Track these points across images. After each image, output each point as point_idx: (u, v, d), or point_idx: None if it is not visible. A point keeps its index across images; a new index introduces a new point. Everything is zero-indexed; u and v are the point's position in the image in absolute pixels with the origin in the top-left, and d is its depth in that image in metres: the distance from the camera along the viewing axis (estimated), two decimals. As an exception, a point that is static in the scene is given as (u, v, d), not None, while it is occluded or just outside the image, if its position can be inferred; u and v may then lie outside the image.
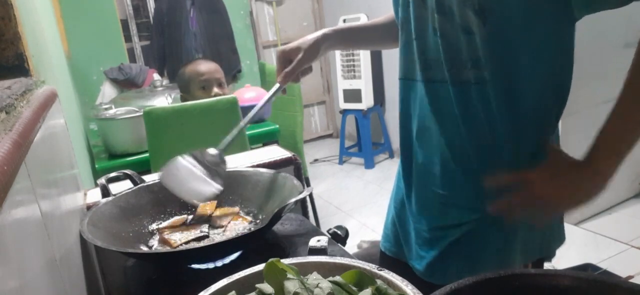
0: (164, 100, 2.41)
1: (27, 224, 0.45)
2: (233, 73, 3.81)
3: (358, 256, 0.63)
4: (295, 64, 0.92)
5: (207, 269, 0.76)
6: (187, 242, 0.80)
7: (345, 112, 3.99)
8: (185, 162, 0.90)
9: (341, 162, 4.14)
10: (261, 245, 0.83)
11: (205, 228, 0.84)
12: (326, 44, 0.94)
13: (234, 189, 0.96)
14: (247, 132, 2.05)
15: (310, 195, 2.66)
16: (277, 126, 2.33)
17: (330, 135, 5.07)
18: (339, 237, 0.85)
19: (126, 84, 3.08)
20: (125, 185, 0.95)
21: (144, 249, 0.84)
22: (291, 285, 0.47)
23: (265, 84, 3.10)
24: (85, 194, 1.06)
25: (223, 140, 0.93)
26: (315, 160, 4.31)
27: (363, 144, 3.94)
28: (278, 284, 0.48)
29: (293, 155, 1.17)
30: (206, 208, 0.90)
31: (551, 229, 0.85)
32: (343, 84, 3.90)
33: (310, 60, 0.93)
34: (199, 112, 1.80)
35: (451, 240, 0.84)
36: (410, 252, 0.93)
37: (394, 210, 1.00)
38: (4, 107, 0.51)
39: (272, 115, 2.50)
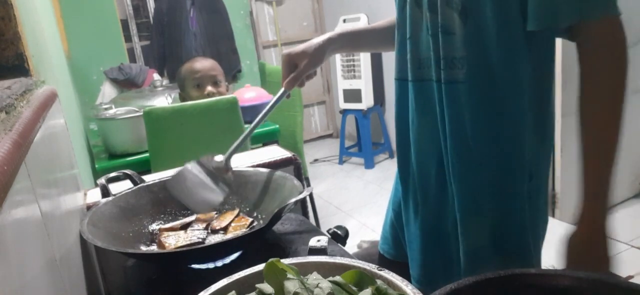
0: (164, 100, 2.41)
1: (27, 224, 0.45)
2: (233, 73, 3.81)
3: (358, 256, 0.63)
4: (301, 69, 0.93)
5: (207, 269, 0.76)
6: (181, 247, 0.80)
7: (345, 112, 3.99)
8: (192, 170, 0.91)
9: (341, 162, 4.14)
10: (261, 245, 0.83)
11: (202, 234, 0.84)
12: (331, 48, 0.94)
13: (234, 189, 0.96)
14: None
15: (310, 195, 2.66)
16: (277, 126, 2.33)
17: (330, 135, 5.07)
18: (339, 237, 0.85)
19: (126, 84, 3.08)
20: (125, 185, 0.95)
21: (144, 249, 0.84)
22: (291, 285, 0.47)
23: (265, 84, 3.10)
24: (85, 194, 1.06)
25: (229, 147, 0.93)
26: (315, 160, 4.31)
27: (363, 144, 3.94)
28: (278, 284, 0.48)
29: (293, 155, 1.17)
30: (205, 217, 0.90)
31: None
32: (343, 84, 3.90)
33: (316, 65, 0.94)
34: (199, 112, 1.80)
35: (447, 242, 0.84)
36: (409, 254, 0.93)
37: (392, 212, 1.00)
38: (4, 107, 0.51)
39: (272, 115, 2.49)
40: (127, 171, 0.98)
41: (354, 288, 0.48)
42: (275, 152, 1.20)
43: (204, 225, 0.88)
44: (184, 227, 0.88)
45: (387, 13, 1.01)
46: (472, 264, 0.79)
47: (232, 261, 0.77)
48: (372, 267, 0.51)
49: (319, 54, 0.93)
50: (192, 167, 0.92)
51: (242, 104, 1.99)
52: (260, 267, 0.51)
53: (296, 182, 0.88)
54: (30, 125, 0.51)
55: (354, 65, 3.79)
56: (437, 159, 0.81)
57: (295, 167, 1.15)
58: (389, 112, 4.16)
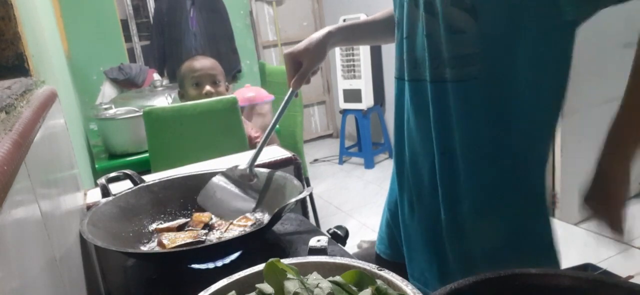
0: (164, 100, 2.41)
1: (27, 224, 0.45)
2: (233, 73, 3.81)
3: (358, 256, 0.63)
4: (306, 66, 0.93)
5: (207, 269, 0.76)
6: (181, 247, 0.80)
7: (345, 112, 3.99)
8: (219, 182, 0.94)
9: (341, 162, 4.14)
10: (261, 245, 0.83)
11: (203, 234, 0.84)
12: (331, 42, 0.95)
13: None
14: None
15: (310, 195, 2.66)
16: (277, 126, 2.33)
17: (330, 135, 5.07)
18: (339, 237, 0.85)
19: (126, 84, 3.08)
20: (125, 185, 0.95)
21: (144, 249, 0.84)
22: (291, 285, 0.47)
23: (265, 84, 3.10)
24: (85, 194, 1.06)
25: (250, 157, 0.95)
26: (315, 160, 4.31)
27: (363, 144, 3.94)
28: (278, 284, 0.48)
29: (293, 155, 1.17)
30: (202, 218, 0.90)
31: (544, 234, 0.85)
32: (343, 84, 3.90)
33: (320, 60, 0.94)
34: (199, 112, 1.80)
35: (442, 242, 0.83)
36: (406, 254, 0.93)
37: (388, 212, 1.00)
38: (4, 107, 0.51)
39: (272, 115, 2.50)
40: (127, 171, 0.98)
41: (354, 288, 0.48)
42: (275, 152, 1.20)
43: (201, 225, 0.88)
44: (181, 227, 0.88)
45: (387, 7, 1.01)
46: (486, 264, 0.79)
47: (232, 261, 0.77)
48: (372, 267, 0.51)
49: (321, 49, 0.94)
50: (218, 179, 0.94)
51: (242, 104, 1.99)
52: (260, 267, 0.51)
53: (296, 182, 0.88)
54: (30, 125, 0.51)
55: (354, 65, 3.79)
56: (431, 159, 0.81)
57: (295, 167, 1.15)
58: (389, 112, 4.16)
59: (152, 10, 3.70)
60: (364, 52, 3.74)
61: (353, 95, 3.85)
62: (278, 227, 0.89)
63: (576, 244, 2.37)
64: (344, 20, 3.73)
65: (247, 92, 2.51)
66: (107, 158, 2.10)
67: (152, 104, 2.29)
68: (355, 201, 3.30)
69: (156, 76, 3.02)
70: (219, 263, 0.77)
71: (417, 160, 0.84)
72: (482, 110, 0.74)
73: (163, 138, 1.82)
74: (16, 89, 0.61)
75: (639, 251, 2.24)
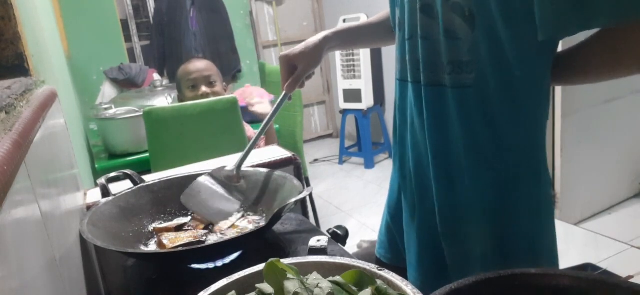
0: (164, 100, 2.41)
1: (27, 224, 0.45)
2: (233, 73, 3.81)
3: (358, 256, 0.63)
4: (300, 71, 0.93)
5: (207, 269, 0.76)
6: (181, 247, 0.80)
7: (345, 112, 3.99)
8: (205, 183, 0.93)
9: (341, 162, 4.14)
10: (261, 245, 0.83)
11: (203, 235, 0.84)
12: (328, 46, 0.95)
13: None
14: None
15: (310, 195, 2.66)
16: (277, 126, 2.33)
17: (330, 135, 5.07)
18: (339, 237, 0.85)
19: (126, 84, 3.08)
20: (125, 185, 0.95)
21: (144, 249, 0.84)
22: (291, 285, 0.47)
23: (265, 84, 3.10)
24: (85, 194, 1.06)
25: (238, 158, 0.95)
26: (315, 160, 4.31)
27: (363, 144, 3.94)
28: (278, 284, 0.48)
29: (293, 155, 1.17)
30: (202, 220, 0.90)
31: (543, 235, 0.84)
32: (343, 84, 3.90)
33: (315, 65, 0.94)
34: (199, 112, 1.80)
35: (441, 247, 0.83)
36: (407, 258, 0.92)
37: (388, 215, 0.99)
38: (4, 107, 0.51)
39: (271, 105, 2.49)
40: (127, 171, 0.98)
41: (354, 288, 0.48)
42: (275, 152, 1.20)
43: (202, 226, 0.88)
44: (179, 227, 0.88)
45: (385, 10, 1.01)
46: (479, 268, 0.79)
47: (232, 261, 0.77)
48: (372, 267, 0.51)
49: (317, 54, 0.93)
50: (204, 179, 0.94)
51: (242, 104, 1.99)
52: (260, 267, 0.51)
53: (296, 182, 0.88)
54: (30, 125, 0.51)
55: (354, 65, 3.79)
56: (431, 162, 0.81)
57: (295, 167, 1.15)
58: (389, 112, 4.16)
59: (152, 10, 3.70)
60: (364, 52, 3.74)
61: (353, 95, 3.85)
62: (278, 227, 0.89)
63: (576, 244, 2.37)
64: (344, 21, 3.73)
65: (247, 92, 2.52)
66: (107, 158, 2.10)
67: (152, 104, 2.29)
68: (355, 201, 3.30)
69: (156, 76, 3.02)
70: (219, 263, 0.77)
71: (422, 164, 0.84)
72: (479, 116, 0.74)
73: (163, 138, 1.81)
74: (16, 89, 0.61)
75: (639, 251, 2.24)
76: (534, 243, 0.79)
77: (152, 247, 0.85)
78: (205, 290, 0.51)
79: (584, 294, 0.46)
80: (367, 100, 3.81)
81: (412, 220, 0.88)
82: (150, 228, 0.89)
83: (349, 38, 1.03)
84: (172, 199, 0.94)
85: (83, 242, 0.77)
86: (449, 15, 0.71)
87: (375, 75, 3.88)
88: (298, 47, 0.94)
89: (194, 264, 0.77)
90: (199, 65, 1.97)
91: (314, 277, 0.50)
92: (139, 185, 0.94)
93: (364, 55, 3.73)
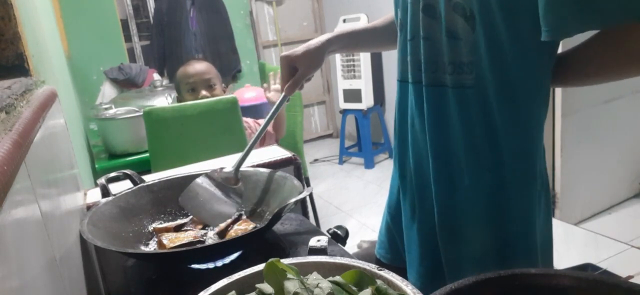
0: (164, 100, 2.41)
1: (27, 224, 0.45)
2: (233, 73, 3.81)
3: (358, 256, 0.63)
4: (300, 73, 0.92)
5: (207, 269, 0.76)
6: (180, 246, 0.80)
7: (345, 112, 3.99)
8: (203, 184, 0.92)
9: (341, 162, 4.14)
10: (261, 245, 0.83)
11: (203, 235, 0.84)
12: (329, 49, 0.94)
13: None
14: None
15: (310, 195, 2.66)
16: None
17: (330, 135, 5.07)
18: (339, 237, 0.85)
19: (126, 84, 3.08)
20: (125, 185, 0.95)
21: (144, 249, 0.84)
22: (291, 285, 0.47)
23: (265, 83, 3.09)
24: (85, 194, 1.06)
25: (236, 160, 0.94)
26: (315, 160, 4.31)
27: (363, 144, 3.94)
28: (278, 284, 0.48)
29: (293, 155, 1.17)
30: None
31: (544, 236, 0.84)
32: (343, 84, 3.90)
33: (316, 68, 0.93)
34: (199, 112, 1.80)
35: (441, 248, 0.83)
36: (407, 258, 0.92)
37: (388, 216, 0.99)
38: (4, 107, 0.51)
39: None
40: (127, 171, 0.98)
41: (354, 288, 0.48)
42: (275, 152, 1.20)
43: (201, 226, 0.88)
44: (178, 227, 0.88)
45: (387, 13, 1.01)
46: (475, 269, 0.79)
47: (232, 261, 0.77)
48: (372, 267, 0.51)
49: (318, 57, 0.92)
50: (201, 181, 0.93)
51: (242, 104, 1.99)
52: (260, 267, 0.51)
53: (296, 182, 0.88)
54: (30, 125, 0.51)
55: (354, 65, 3.79)
56: (431, 162, 0.81)
57: (295, 167, 1.15)
58: (389, 112, 4.16)
59: (152, 10, 3.70)
60: (364, 53, 3.74)
61: (353, 95, 3.85)
62: (278, 227, 0.89)
63: (576, 244, 2.37)
64: (344, 21, 3.73)
65: (247, 92, 2.52)
66: (107, 158, 2.10)
67: (152, 104, 2.30)
68: (355, 201, 3.30)
69: (156, 76, 3.02)
70: (219, 263, 0.77)
71: (422, 164, 0.84)
72: (479, 117, 0.74)
73: (163, 138, 1.82)
74: (16, 89, 0.61)
75: (639, 251, 2.24)
76: (532, 244, 0.79)
77: (152, 247, 0.85)
78: (205, 290, 0.51)
79: (584, 294, 0.46)
80: (367, 100, 3.81)
81: (412, 220, 0.88)
82: (150, 228, 0.89)
83: (351, 42, 1.02)
84: (172, 199, 0.94)
85: (83, 242, 0.77)
86: (451, 15, 0.71)
87: (375, 75, 3.88)
88: (299, 49, 0.93)
89: (194, 264, 0.77)
90: (198, 67, 1.95)
91: (314, 277, 0.50)
92: (139, 185, 0.94)
93: (364, 55, 3.73)
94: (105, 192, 0.90)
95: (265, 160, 1.14)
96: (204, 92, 1.91)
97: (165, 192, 0.95)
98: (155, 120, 1.79)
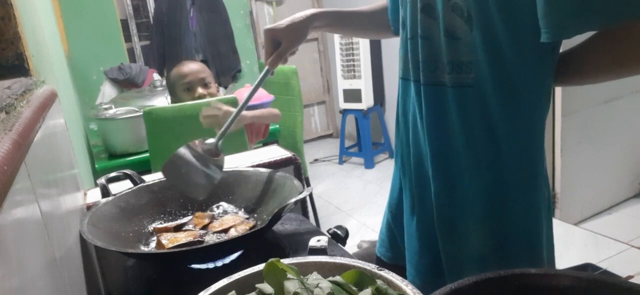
0: (164, 100, 2.40)
1: (27, 224, 0.45)
2: (233, 73, 3.81)
3: (358, 256, 0.63)
4: (284, 46, 0.90)
5: (207, 269, 0.76)
6: (179, 246, 0.80)
7: (345, 112, 3.99)
8: (184, 156, 0.91)
9: (341, 162, 4.14)
10: (261, 245, 0.83)
11: (202, 234, 0.84)
12: (314, 24, 0.93)
13: (233, 188, 0.96)
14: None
15: (310, 195, 2.66)
16: (277, 126, 2.33)
17: (330, 135, 5.07)
18: (339, 237, 0.85)
19: (126, 83, 3.08)
20: (125, 185, 0.95)
21: (144, 249, 0.84)
22: (291, 285, 0.47)
23: (265, 84, 3.09)
24: (85, 194, 1.06)
25: (219, 132, 0.94)
26: (315, 160, 4.31)
27: (363, 143, 3.94)
28: (278, 284, 0.48)
29: (293, 155, 1.17)
30: (202, 219, 0.90)
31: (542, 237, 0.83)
32: (343, 83, 3.90)
33: (299, 42, 0.91)
34: (198, 112, 1.80)
35: (442, 246, 0.83)
36: (407, 257, 0.92)
37: (389, 214, 0.99)
38: (4, 107, 0.51)
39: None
40: (127, 171, 0.98)
41: (354, 288, 0.48)
42: (275, 152, 1.20)
43: (201, 225, 0.88)
44: (178, 227, 0.88)
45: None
46: (475, 268, 0.79)
47: (232, 261, 0.77)
48: (372, 267, 0.51)
49: (302, 30, 0.91)
50: (184, 152, 0.92)
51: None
52: (260, 267, 0.51)
53: (296, 182, 0.88)
54: (30, 125, 0.51)
55: (354, 65, 3.79)
56: (431, 161, 0.82)
57: (295, 167, 1.15)
58: (389, 112, 4.16)
59: (152, 10, 3.70)
60: (364, 52, 3.73)
61: (353, 95, 3.85)
62: (278, 227, 0.89)
63: (576, 244, 2.37)
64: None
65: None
66: (107, 158, 2.10)
67: (152, 104, 2.29)
68: (355, 201, 3.30)
69: (156, 76, 3.02)
70: (219, 263, 0.77)
71: (422, 162, 0.84)
72: (478, 116, 0.74)
73: (163, 138, 1.82)
74: (16, 89, 0.61)
75: (639, 251, 2.24)
76: (531, 244, 0.79)
77: (152, 247, 0.85)
78: (205, 290, 0.51)
79: (584, 294, 0.46)
80: (367, 100, 3.81)
81: (411, 217, 0.88)
82: (150, 228, 0.89)
83: (338, 21, 1.00)
84: (172, 199, 0.94)
85: (83, 242, 0.77)
86: (450, 15, 0.71)
87: (375, 75, 3.88)
88: (283, 22, 0.92)
89: (194, 264, 0.77)
90: (194, 67, 1.96)
91: (314, 277, 0.50)
92: (139, 185, 0.94)
93: (364, 55, 3.73)
94: (105, 192, 0.90)
95: (265, 160, 1.14)
96: (200, 91, 1.92)
97: (165, 192, 0.95)
98: (155, 120, 1.79)
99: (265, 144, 2.23)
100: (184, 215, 0.93)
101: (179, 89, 1.93)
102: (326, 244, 0.73)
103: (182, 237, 0.81)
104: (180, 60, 2.03)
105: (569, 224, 2.53)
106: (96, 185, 0.95)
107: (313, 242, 0.73)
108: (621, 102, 2.52)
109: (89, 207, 0.89)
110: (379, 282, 0.49)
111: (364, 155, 3.97)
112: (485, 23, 0.69)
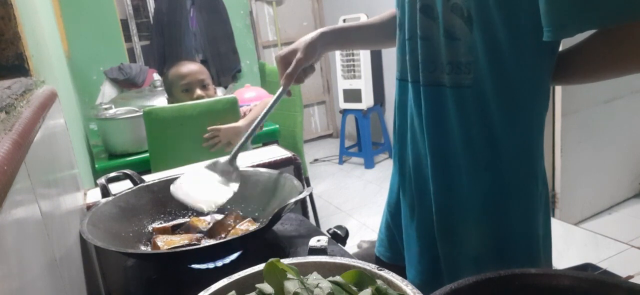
0: (164, 100, 2.40)
1: (27, 224, 0.45)
2: (233, 73, 3.81)
3: (358, 256, 0.63)
4: (294, 64, 0.92)
5: (207, 269, 0.76)
6: (180, 247, 0.80)
7: (345, 112, 3.99)
8: (198, 173, 0.93)
9: (341, 162, 4.14)
10: (261, 245, 0.83)
11: (199, 237, 0.84)
12: (323, 42, 0.94)
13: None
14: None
15: (310, 195, 2.66)
16: (277, 126, 2.33)
17: (330, 135, 5.07)
18: (339, 237, 0.85)
19: (126, 83, 3.08)
20: (125, 185, 0.95)
21: (144, 249, 0.84)
22: (291, 285, 0.47)
23: (265, 84, 3.10)
24: (85, 194, 1.06)
25: (232, 150, 0.95)
26: (315, 160, 4.31)
27: (363, 143, 3.94)
28: (278, 284, 0.48)
29: (293, 155, 1.17)
30: (199, 223, 0.90)
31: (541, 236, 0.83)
32: (343, 83, 3.90)
33: (309, 60, 0.92)
34: (198, 112, 1.80)
35: (441, 246, 0.83)
36: (406, 257, 0.92)
37: (388, 214, 1.00)
38: (4, 107, 0.51)
39: (272, 115, 2.49)
40: (127, 171, 0.98)
41: (354, 288, 0.48)
42: (275, 152, 1.20)
43: (198, 229, 0.88)
44: (176, 227, 0.88)
45: (387, 9, 1.00)
46: (473, 269, 0.79)
47: (232, 261, 0.77)
48: (372, 267, 0.51)
49: (311, 49, 0.92)
50: (197, 171, 0.93)
51: (242, 104, 1.99)
52: (260, 267, 0.51)
53: (296, 182, 0.88)
54: (30, 125, 0.51)
55: (354, 65, 3.79)
56: (429, 161, 0.82)
57: (295, 167, 1.15)
58: (389, 112, 4.16)
59: (152, 10, 3.70)
60: (364, 52, 3.73)
61: (353, 95, 3.85)
62: (278, 227, 0.89)
63: (576, 244, 2.37)
64: (344, 21, 3.73)
65: (247, 92, 2.52)
66: (107, 158, 2.10)
67: (152, 104, 2.29)
68: (355, 201, 3.30)
69: (156, 76, 3.02)
70: (219, 263, 0.77)
71: (421, 163, 0.84)
72: (477, 116, 0.74)
73: (163, 138, 1.82)
74: (16, 89, 0.61)
75: (639, 251, 2.24)
76: (529, 244, 0.79)
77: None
78: (205, 290, 0.51)
79: (584, 294, 0.46)
80: (367, 100, 3.81)
81: (411, 219, 0.88)
82: (150, 228, 0.89)
83: (347, 37, 1.01)
84: (172, 199, 0.94)
85: (83, 242, 0.77)
86: (449, 16, 0.71)
87: (375, 75, 3.88)
88: (292, 45, 0.94)
89: (194, 264, 0.77)
90: (192, 67, 1.94)
91: (314, 277, 0.50)
92: (139, 185, 0.94)
93: (364, 55, 3.73)
94: (105, 192, 0.90)
95: (265, 160, 1.14)
96: (198, 92, 1.91)
97: (165, 192, 0.95)
98: (155, 120, 1.79)
99: (265, 144, 2.23)
100: (184, 216, 0.93)
101: (177, 89, 1.92)
102: (326, 244, 0.73)
103: (178, 240, 0.81)
104: (180, 60, 2.02)
105: (569, 224, 2.52)
106: (96, 185, 0.95)
107: (313, 242, 0.73)
108: (621, 102, 2.52)
109: (89, 207, 0.89)
110: (379, 282, 0.49)
111: (364, 155, 3.97)
112: (485, 23, 0.69)
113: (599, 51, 0.69)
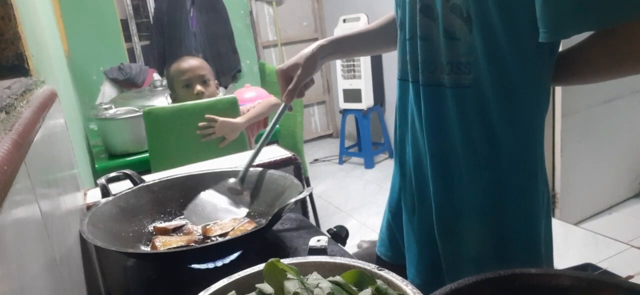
0: (164, 100, 2.40)
1: (27, 224, 0.45)
2: (233, 73, 3.81)
3: (358, 256, 0.63)
4: (296, 80, 0.93)
5: (207, 269, 0.76)
6: (180, 247, 0.79)
7: (345, 112, 3.99)
8: (208, 197, 0.93)
9: (341, 162, 4.14)
10: (261, 245, 0.83)
11: (198, 240, 0.84)
12: (323, 54, 0.94)
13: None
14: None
15: (310, 195, 2.66)
16: (277, 126, 2.33)
17: (330, 135, 5.07)
18: (339, 237, 0.85)
19: (126, 83, 3.08)
20: (125, 185, 0.95)
21: (144, 249, 0.84)
22: (291, 285, 0.47)
23: (265, 84, 3.10)
24: (85, 194, 1.06)
25: (240, 170, 0.96)
26: (315, 160, 4.31)
27: (363, 143, 3.94)
28: (278, 284, 0.48)
29: (293, 155, 1.17)
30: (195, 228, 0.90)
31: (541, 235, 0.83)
32: (343, 83, 3.90)
33: (310, 73, 0.93)
34: (198, 112, 1.80)
35: (441, 246, 0.83)
36: (407, 256, 0.93)
37: (389, 214, 1.00)
38: (4, 107, 0.51)
39: (272, 115, 2.49)
40: (127, 171, 0.98)
41: (354, 288, 0.48)
42: (275, 152, 1.20)
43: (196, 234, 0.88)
44: (176, 229, 0.87)
45: (388, 12, 1.00)
46: (473, 269, 0.79)
47: (232, 261, 0.77)
48: (372, 267, 0.51)
49: (311, 63, 0.92)
50: (206, 193, 0.94)
51: (242, 104, 1.99)
52: (260, 267, 0.51)
53: (296, 182, 0.88)
54: (30, 125, 0.51)
55: (354, 65, 3.79)
56: (430, 161, 0.82)
57: (295, 167, 1.15)
58: (389, 112, 4.16)
59: (152, 10, 3.70)
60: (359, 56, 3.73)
61: (353, 95, 3.85)
62: (278, 227, 0.89)
63: (576, 244, 2.37)
64: (344, 21, 3.73)
65: (247, 92, 2.51)
66: (107, 158, 2.10)
67: (152, 104, 2.29)
68: (355, 201, 3.30)
69: (156, 76, 3.02)
70: (219, 263, 0.77)
71: (421, 163, 0.84)
72: (477, 116, 0.74)
73: (163, 138, 1.82)
74: (16, 89, 0.61)
75: (639, 251, 2.24)
76: (530, 244, 0.79)
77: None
78: (205, 290, 0.51)
79: (584, 294, 0.46)
80: (367, 100, 3.81)
81: (411, 219, 0.88)
82: (150, 228, 0.89)
83: (345, 46, 1.00)
84: (172, 199, 0.94)
85: (83, 242, 0.77)
86: (449, 16, 0.71)
87: (375, 75, 3.88)
88: (292, 59, 0.94)
89: (194, 264, 0.77)
90: (193, 63, 1.93)
91: (314, 277, 0.50)
92: (139, 185, 0.94)
93: (364, 55, 3.73)
94: (105, 192, 0.90)
95: (265, 160, 1.14)
96: (198, 88, 1.90)
97: (165, 192, 0.95)
98: (155, 120, 1.79)
99: (265, 144, 2.22)
100: (184, 217, 0.93)
101: (178, 85, 1.92)
102: (326, 244, 0.73)
103: (177, 241, 0.81)
104: (182, 57, 2.02)
105: (569, 224, 2.53)
106: (96, 185, 0.95)
107: (313, 242, 0.73)
108: (621, 102, 2.52)
109: (89, 207, 0.89)
110: (379, 282, 0.49)
111: (364, 155, 3.97)
112: (485, 23, 0.69)
113: (598, 52, 0.69)
